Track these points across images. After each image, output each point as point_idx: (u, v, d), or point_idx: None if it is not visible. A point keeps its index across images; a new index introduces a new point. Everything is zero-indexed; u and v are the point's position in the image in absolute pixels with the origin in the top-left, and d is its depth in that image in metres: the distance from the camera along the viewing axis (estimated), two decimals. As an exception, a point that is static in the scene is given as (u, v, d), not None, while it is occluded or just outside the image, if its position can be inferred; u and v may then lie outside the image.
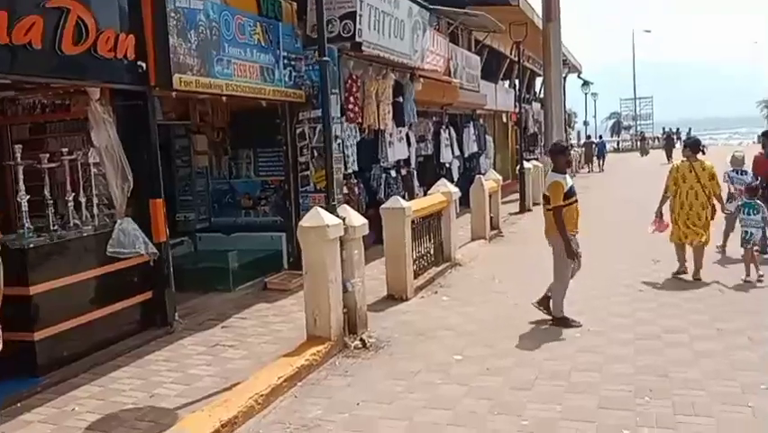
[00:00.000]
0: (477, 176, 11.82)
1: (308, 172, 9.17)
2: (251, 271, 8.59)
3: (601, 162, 31.91)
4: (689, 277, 7.81)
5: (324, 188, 9.05)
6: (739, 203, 8.24)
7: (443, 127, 15.11)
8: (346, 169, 9.77)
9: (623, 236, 11.06)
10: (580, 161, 33.56)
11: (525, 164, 16.55)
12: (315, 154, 9.15)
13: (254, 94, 7.93)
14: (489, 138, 19.13)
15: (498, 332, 6.20)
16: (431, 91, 13.11)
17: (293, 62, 8.79)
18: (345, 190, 9.55)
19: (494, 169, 23.32)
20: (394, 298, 7.54)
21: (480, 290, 8.02)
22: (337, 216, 5.85)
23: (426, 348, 5.82)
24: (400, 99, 11.42)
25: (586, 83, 37.31)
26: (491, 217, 12.19)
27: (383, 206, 7.68)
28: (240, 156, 9.95)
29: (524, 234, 12.77)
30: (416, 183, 12.68)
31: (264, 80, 8.14)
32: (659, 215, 8.03)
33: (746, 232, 7.59)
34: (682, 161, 7.95)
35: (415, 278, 7.96)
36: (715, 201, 7.73)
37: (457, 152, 16.01)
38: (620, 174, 28.17)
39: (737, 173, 9.02)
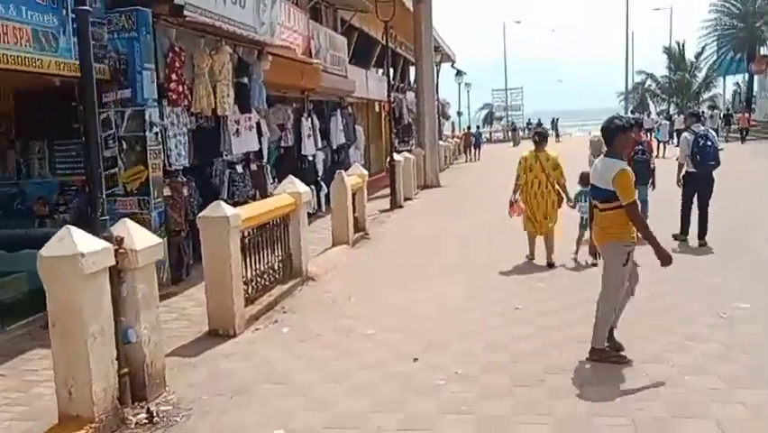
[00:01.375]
0: (338, 171, 10.28)
1: (116, 170, 7.19)
2: (35, 303, 6.52)
3: (477, 152, 32.04)
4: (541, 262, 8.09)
5: (137, 189, 7.21)
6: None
7: (305, 115, 13.45)
8: (170, 164, 7.87)
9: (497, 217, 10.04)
10: (458, 151, 33.65)
11: (396, 156, 15.27)
12: (125, 147, 7.20)
13: (22, 66, 5.87)
14: (360, 128, 17.70)
15: (344, 382, 4.69)
16: (287, 73, 11.42)
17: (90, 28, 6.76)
18: (167, 192, 7.66)
19: (368, 162, 22.37)
20: (218, 334, 5.83)
21: (330, 315, 6.48)
22: (108, 236, 4.07)
23: (241, 418, 4.19)
24: (245, 80, 9.64)
25: (459, 73, 37.03)
26: (356, 218, 10.74)
27: (200, 214, 5.92)
28: (30, 150, 7.81)
29: (393, 234, 11.48)
30: (270, 180, 10.95)
31: (41, 49, 6.10)
32: (515, 200, 8.27)
33: (582, 218, 8.12)
34: (530, 152, 8.28)
35: (248, 304, 6.30)
36: (560, 190, 8.11)
37: (323, 144, 14.44)
38: (497, 162, 27.95)
39: (596, 157, 9.03)
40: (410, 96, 27.37)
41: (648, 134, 23.61)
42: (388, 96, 15.51)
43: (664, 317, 5.74)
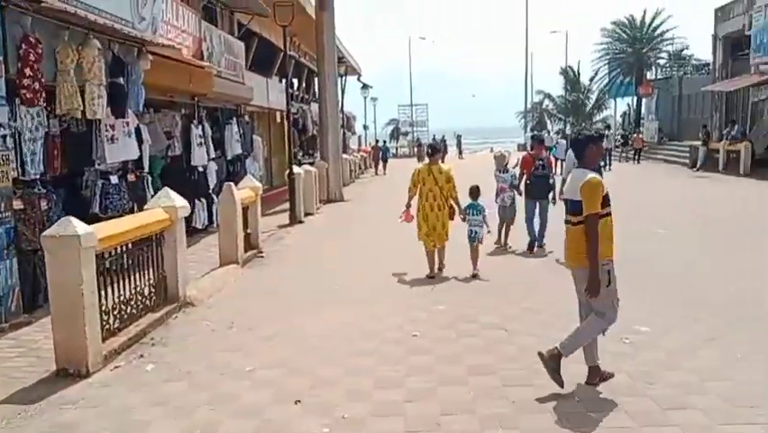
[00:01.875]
0: (226, 184, 9.45)
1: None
2: None
3: (384, 166, 31.90)
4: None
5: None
6: (504, 197, 9.86)
7: (195, 122, 12.48)
8: (23, 173, 6.81)
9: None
10: (366, 164, 33.32)
11: (296, 169, 14.55)
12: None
13: None
14: (258, 138, 16.85)
15: (212, 435, 3.97)
16: (172, 75, 10.48)
17: None
18: (19, 205, 6.60)
19: (269, 174, 21.49)
20: (68, 374, 4.93)
21: (206, 347, 5.70)
22: None
23: (73, 490, 3.38)
24: (121, 81, 8.66)
25: (365, 86, 36.84)
26: (248, 235, 9.95)
27: (44, 233, 4.98)
28: None
29: (289, 252, 10.75)
30: (152, 192, 9.92)
31: None
32: (408, 207, 8.45)
33: (471, 231, 8.26)
34: (423, 165, 8.43)
35: (109, 337, 5.42)
36: (452, 203, 8.21)
37: (216, 154, 13.50)
38: (403, 177, 27.73)
39: (501, 172, 10.11)
40: (315, 107, 26.73)
41: (548, 152, 24.17)
42: (288, 105, 14.74)
43: (568, 344, 5.40)
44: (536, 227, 9.71)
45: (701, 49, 70.54)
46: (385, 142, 41.37)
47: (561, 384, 4.38)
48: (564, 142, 29.30)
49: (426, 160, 8.58)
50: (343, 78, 30.39)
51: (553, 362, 4.39)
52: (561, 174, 10.40)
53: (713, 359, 4.92)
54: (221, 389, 4.68)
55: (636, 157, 30.34)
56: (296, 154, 24.19)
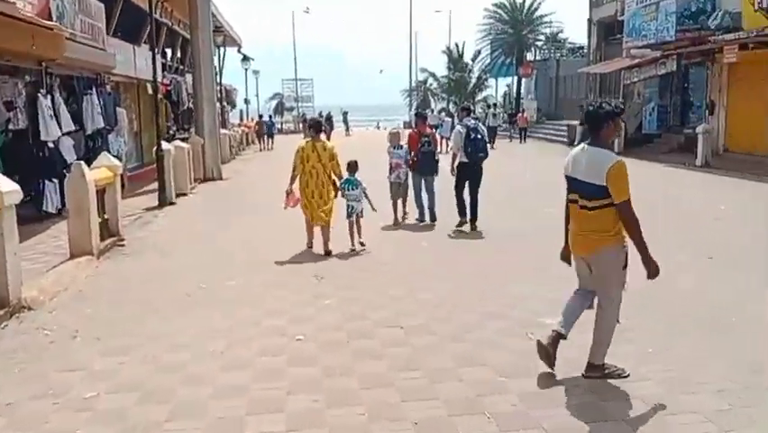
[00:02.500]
0: (75, 163, 8.10)
1: None
2: None
3: (271, 142, 31.16)
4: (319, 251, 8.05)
5: None
6: (399, 173, 9.81)
7: (44, 92, 10.82)
8: None
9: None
10: (249, 140, 31.89)
11: (165, 145, 13.16)
12: None
13: None
14: (123, 111, 15.16)
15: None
16: (8, 35, 8.83)
17: None
18: None
19: (140, 151, 19.61)
20: None
21: (39, 366, 4.60)
22: None
23: None
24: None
25: (246, 58, 34.95)
26: (105, 221, 8.67)
27: None
28: None
29: (157, 239, 9.54)
30: (-15, 172, 8.35)
31: None
32: (290, 191, 8.17)
33: (349, 206, 8.17)
34: (306, 142, 8.19)
35: None
36: (336, 180, 8.13)
37: (71, 127, 11.85)
38: (288, 152, 26.57)
39: (395, 148, 9.96)
40: (191, 78, 24.90)
41: (435, 130, 24.11)
42: (154, 74, 13.25)
43: (472, 342, 4.85)
44: (425, 202, 9.97)
45: (576, 32, 74.30)
46: (270, 116, 39.93)
47: (623, 372, 4.17)
48: (450, 120, 29.59)
49: (309, 136, 8.33)
50: (222, 48, 28.55)
51: (598, 371, 4.13)
52: (447, 151, 10.42)
53: (627, 356, 4.51)
54: (49, 427, 3.68)
55: (522, 136, 30.57)
56: (169, 128, 22.48)
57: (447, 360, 4.49)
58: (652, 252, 3.94)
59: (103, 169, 8.60)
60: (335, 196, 8.17)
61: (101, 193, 8.49)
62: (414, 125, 10.64)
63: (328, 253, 7.94)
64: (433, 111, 51.44)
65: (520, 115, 31.83)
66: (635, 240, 3.92)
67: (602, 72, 27.00)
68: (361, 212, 8.28)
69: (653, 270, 3.94)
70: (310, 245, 8.24)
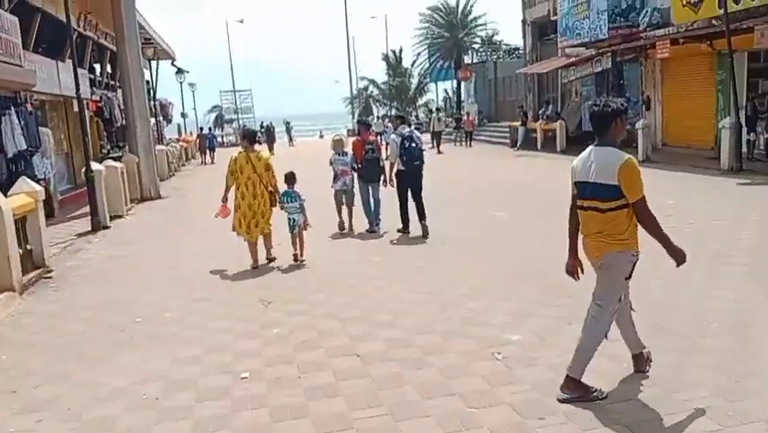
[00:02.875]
0: (-12, 191, 7.37)
1: None
2: None
3: (213, 155, 30.66)
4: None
5: None
6: (345, 180, 9.70)
7: (-47, 114, 9.95)
8: None
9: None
10: (189, 155, 30.97)
11: (95, 165, 12.36)
12: None
13: None
14: (47, 131, 14.20)
15: None
16: None
17: None
18: None
19: (71, 173, 18.50)
20: None
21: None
22: None
23: None
24: None
25: (180, 71, 33.90)
26: (28, 252, 7.94)
27: None
28: None
29: (88, 269, 8.83)
30: None
31: None
32: (224, 201, 8.12)
33: (290, 219, 8.09)
34: (239, 153, 8.01)
35: None
36: (272, 190, 8.02)
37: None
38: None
39: (339, 154, 9.78)
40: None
41: (379, 137, 23.97)
42: (77, 90, 12.43)
43: (436, 368, 4.47)
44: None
45: (510, 34, 75.47)
46: (210, 129, 39.01)
47: (602, 394, 3.87)
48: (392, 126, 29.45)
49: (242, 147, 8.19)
50: (152, 61, 27.56)
51: (574, 388, 3.84)
52: (387, 159, 10.12)
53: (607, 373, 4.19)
54: None
55: (468, 140, 29.81)
56: (102, 147, 21.42)
57: (411, 392, 4.11)
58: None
59: (22, 195, 7.86)
60: (273, 205, 8.06)
61: (21, 222, 7.77)
62: (357, 133, 10.59)
63: (271, 261, 8.01)
64: (377, 118, 51.58)
65: (465, 118, 31.16)
66: (657, 235, 3.80)
67: (540, 72, 27.29)
68: (304, 223, 8.19)
69: (680, 258, 3.83)
70: (255, 266, 7.93)
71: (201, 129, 36.06)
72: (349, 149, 9.99)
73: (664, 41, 17.08)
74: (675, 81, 19.41)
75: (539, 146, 24.67)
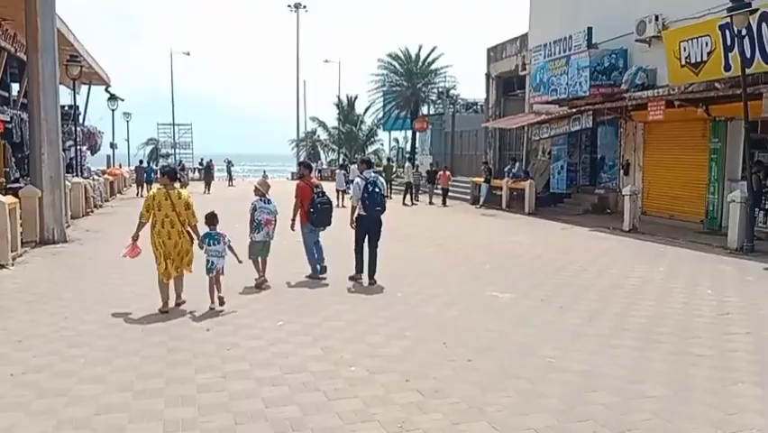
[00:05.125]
0: None
1: None
2: None
3: (149, 188, 27.13)
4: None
5: None
6: (268, 231, 8.90)
7: None
8: None
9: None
10: (115, 189, 27.96)
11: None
12: None
13: None
14: None
15: None
16: None
17: None
18: None
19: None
20: None
21: None
22: None
23: None
24: None
25: (114, 97, 30.84)
26: None
27: None
28: None
29: None
30: None
31: None
32: (135, 239, 7.64)
33: (209, 261, 7.71)
34: (158, 189, 7.66)
35: None
36: (191, 231, 7.63)
37: None
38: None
39: (263, 201, 8.99)
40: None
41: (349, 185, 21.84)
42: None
43: None
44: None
45: (468, 88, 75.35)
46: (149, 162, 36.60)
47: None
48: (343, 172, 27.08)
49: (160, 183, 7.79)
50: (79, 85, 24.47)
51: None
52: (342, 206, 9.98)
53: None
54: None
55: (444, 198, 25.21)
56: (7, 175, 18.22)
57: None
58: None
59: None
60: (192, 245, 7.68)
61: None
62: (300, 176, 10.02)
63: (164, 312, 7.41)
64: (322, 162, 49.37)
65: (441, 172, 26.56)
66: None
67: (506, 128, 25.76)
68: (222, 269, 7.78)
69: None
70: (165, 309, 7.49)
71: (141, 162, 34.58)
72: (273, 192, 9.22)
73: (659, 103, 15.57)
74: (660, 147, 18.00)
75: (504, 205, 22.84)
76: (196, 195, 11.44)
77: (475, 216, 20.97)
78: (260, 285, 8.88)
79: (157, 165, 48.90)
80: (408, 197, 25.65)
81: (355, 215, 9.17)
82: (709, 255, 12.22)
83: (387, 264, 9.60)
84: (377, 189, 8.98)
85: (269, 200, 8.97)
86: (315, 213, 9.27)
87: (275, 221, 8.93)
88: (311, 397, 4.96)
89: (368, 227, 9.13)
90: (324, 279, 9.38)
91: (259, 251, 8.93)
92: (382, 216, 9.22)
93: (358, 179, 9.18)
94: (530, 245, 13.87)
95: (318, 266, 9.49)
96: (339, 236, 10.25)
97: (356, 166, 30.20)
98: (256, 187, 9.09)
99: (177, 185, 7.84)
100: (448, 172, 26.82)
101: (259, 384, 5.22)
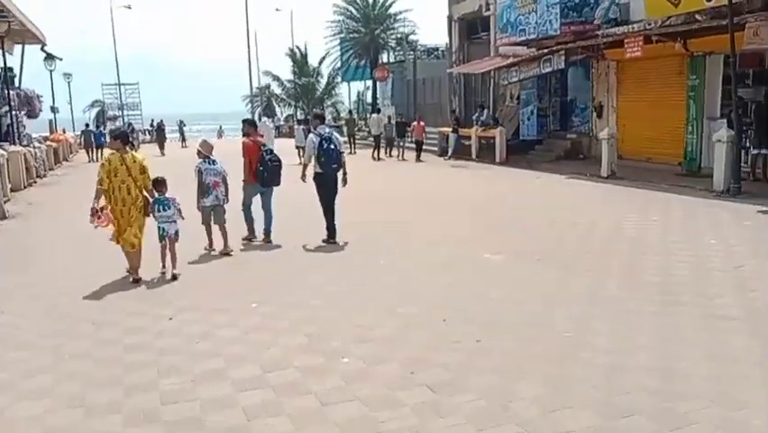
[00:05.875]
0: None
1: None
2: None
3: (100, 153, 27.09)
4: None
5: None
6: (217, 194, 8.47)
7: None
8: None
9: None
10: (62, 156, 26.32)
11: None
12: None
13: None
14: None
15: None
16: None
17: None
18: None
19: None
20: None
21: None
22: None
23: None
24: None
25: (50, 57, 28.56)
26: None
27: None
28: None
29: None
30: None
31: None
32: (98, 208, 7.11)
33: (160, 228, 7.50)
34: (112, 154, 7.32)
35: None
36: (147, 195, 7.39)
37: None
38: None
39: (208, 162, 8.54)
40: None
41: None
42: None
43: None
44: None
45: (428, 32, 72.71)
46: (98, 126, 34.80)
47: None
48: (302, 128, 25.70)
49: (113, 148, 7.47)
50: (12, 45, 22.43)
51: None
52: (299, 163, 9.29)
53: None
54: None
55: (418, 153, 22.98)
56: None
57: None
58: None
59: None
60: (147, 214, 7.42)
61: None
62: (245, 134, 9.48)
63: (136, 282, 7.19)
64: (279, 118, 47.65)
65: (415, 124, 23.88)
66: None
67: (476, 72, 24.75)
68: (176, 234, 7.56)
69: None
70: (137, 276, 7.26)
71: (87, 125, 33.00)
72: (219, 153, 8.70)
73: (636, 38, 14.79)
74: (634, 86, 17.36)
75: (474, 155, 22.08)
76: (152, 158, 10.75)
77: (446, 169, 20.17)
78: (227, 252, 8.48)
79: (105, 129, 46.62)
80: (378, 151, 24.57)
81: (309, 172, 8.86)
82: (697, 199, 11.69)
83: (359, 229, 9.26)
84: (332, 146, 8.68)
85: (213, 161, 8.55)
86: (264, 171, 8.86)
87: (223, 183, 8.50)
88: (302, 403, 4.14)
89: (326, 184, 8.78)
90: (254, 240, 9.09)
91: (207, 215, 8.53)
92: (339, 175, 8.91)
93: (312, 136, 8.90)
94: (509, 198, 13.19)
95: (264, 229, 9.07)
96: (296, 197, 9.86)
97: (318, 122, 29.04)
98: (198, 149, 8.70)
99: (131, 148, 7.52)
100: (422, 123, 23.92)
101: (237, 389, 4.38)
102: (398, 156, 24.06)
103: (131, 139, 8.06)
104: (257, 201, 9.10)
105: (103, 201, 7.12)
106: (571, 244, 8.49)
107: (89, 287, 7.03)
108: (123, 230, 7.18)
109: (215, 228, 8.56)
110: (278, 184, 9.11)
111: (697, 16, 13.54)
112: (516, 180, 16.29)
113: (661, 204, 11.42)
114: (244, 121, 10.06)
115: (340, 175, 8.86)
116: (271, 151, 9.15)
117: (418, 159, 22.91)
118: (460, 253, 8.21)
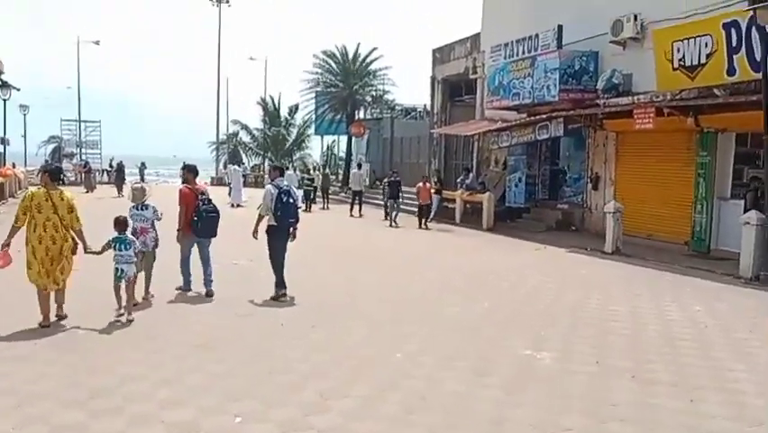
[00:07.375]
0: None
1: None
2: None
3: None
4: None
5: None
6: (145, 240, 8.15)
7: None
8: None
9: None
10: (7, 192, 23.85)
11: None
12: None
13: None
14: None
15: None
16: None
17: None
18: None
19: None
20: None
21: None
22: None
23: None
24: None
25: (6, 85, 26.60)
26: None
27: None
28: None
29: None
30: None
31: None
32: (6, 245, 6.83)
33: (118, 269, 7.29)
34: (38, 189, 7.13)
35: None
36: (75, 236, 7.03)
37: None
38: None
39: (138, 208, 8.23)
40: None
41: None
42: None
43: None
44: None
45: (405, 93, 72.44)
46: (47, 161, 32.70)
47: None
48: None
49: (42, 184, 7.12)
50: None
51: None
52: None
53: None
54: None
55: (424, 218, 19.65)
56: None
57: None
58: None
59: None
60: (74, 253, 7.02)
61: None
62: (183, 180, 9.19)
63: (60, 318, 6.95)
64: (246, 167, 45.95)
65: (421, 185, 19.92)
66: None
67: (457, 135, 23.80)
68: (135, 276, 7.40)
69: None
70: (46, 323, 6.76)
71: (47, 161, 30.20)
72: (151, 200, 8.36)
73: (647, 110, 13.89)
74: (635, 159, 16.45)
75: (458, 219, 20.81)
76: (109, 199, 9.65)
77: (431, 233, 18.76)
78: (146, 298, 8.17)
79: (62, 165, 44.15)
80: (354, 207, 23.23)
81: (263, 225, 8.62)
82: (728, 286, 10.46)
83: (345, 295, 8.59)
84: (290, 200, 8.60)
85: (145, 206, 8.27)
86: (198, 221, 8.61)
87: (153, 228, 8.21)
88: None
89: (282, 239, 8.58)
90: (189, 292, 8.75)
91: (138, 262, 7.89)
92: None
93: (270, 187, 8.71)
94: (513, 272, 11.76)
95: (204, 282, 8.72)
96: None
97: (291, 172, 27.66)
98: (133, 192, 8.49)
99: (59, 185, 7.27)
100: (428, 184, 20.28)
101: None
102: (390, 222, 20.08)
103: (59, 174, 7.81)
104: (195, 252, 8.78)
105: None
106: (620, 342, 7.01)
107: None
108: (47, 270, 6.79)
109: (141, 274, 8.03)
110: (213, 235, 8.87)
111: (715, 91, 12.75)
112: (512, 251, 14.92)
113: (690, 290, 10.12)
114: (184, 167, 9.35)
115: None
116: (209, 200, 8.86)
117: (425, 225, 19.57)
118: (488, 344, 6.64)
